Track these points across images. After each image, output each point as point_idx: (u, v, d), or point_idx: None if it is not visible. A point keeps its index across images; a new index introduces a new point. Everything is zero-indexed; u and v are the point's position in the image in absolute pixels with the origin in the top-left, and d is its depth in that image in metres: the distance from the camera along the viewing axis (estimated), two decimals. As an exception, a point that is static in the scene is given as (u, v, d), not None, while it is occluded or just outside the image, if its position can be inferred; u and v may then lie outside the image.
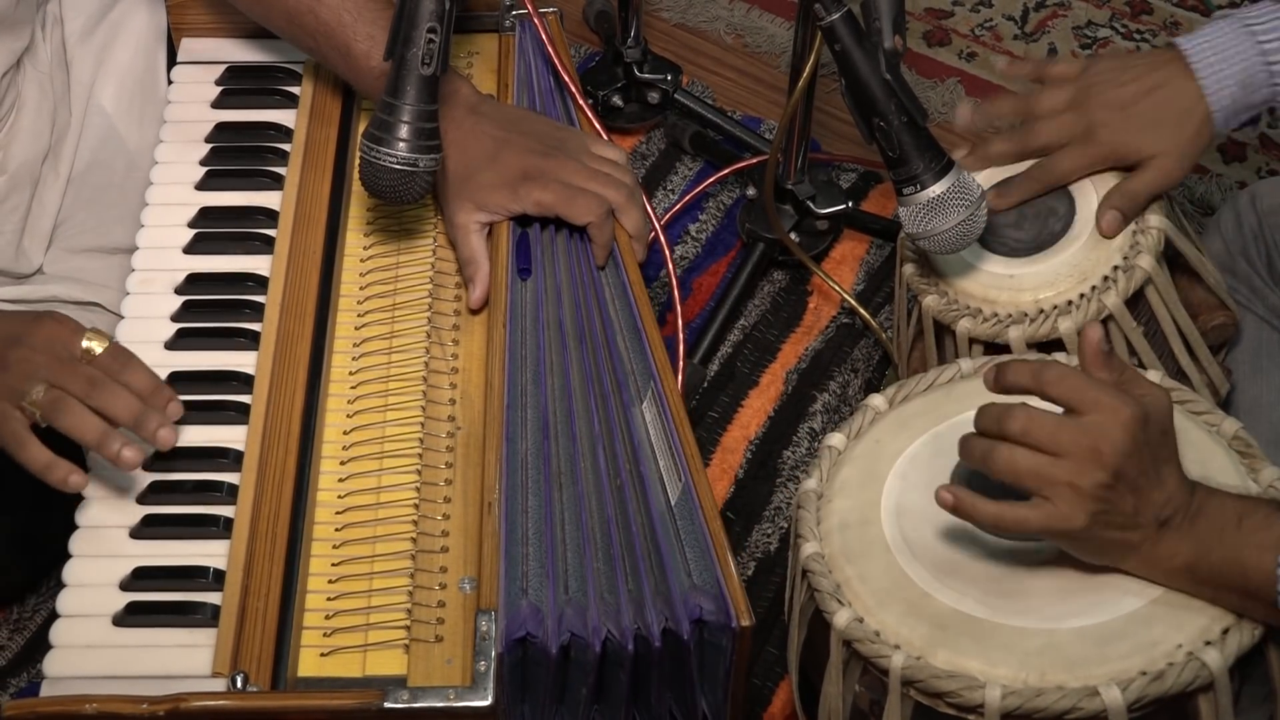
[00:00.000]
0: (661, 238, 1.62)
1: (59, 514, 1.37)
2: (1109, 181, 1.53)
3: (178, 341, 1.48)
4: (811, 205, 2.01)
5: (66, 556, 1.34)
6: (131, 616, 1.30)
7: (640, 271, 1.52)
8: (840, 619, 1.25)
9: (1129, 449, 1.16)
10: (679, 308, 1.62)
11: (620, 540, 1.32)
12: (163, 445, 1.34)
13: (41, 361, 1.31)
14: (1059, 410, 1.19)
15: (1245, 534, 1.16)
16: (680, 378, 1.51)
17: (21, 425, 1.31)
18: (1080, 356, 1.22)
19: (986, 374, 1.23)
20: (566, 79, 1.67)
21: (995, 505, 1.20)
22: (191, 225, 1.56)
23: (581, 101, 1.65)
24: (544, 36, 1.69)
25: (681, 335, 1.60)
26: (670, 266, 1.65)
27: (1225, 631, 1.17)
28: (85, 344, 1.33)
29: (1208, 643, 1.17)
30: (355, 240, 1.58)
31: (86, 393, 1.31)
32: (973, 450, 1.22)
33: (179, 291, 1.51)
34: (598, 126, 1.64)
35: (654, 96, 2.19)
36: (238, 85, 1.68)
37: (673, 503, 1.34)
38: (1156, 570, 1.20)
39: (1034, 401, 1.20)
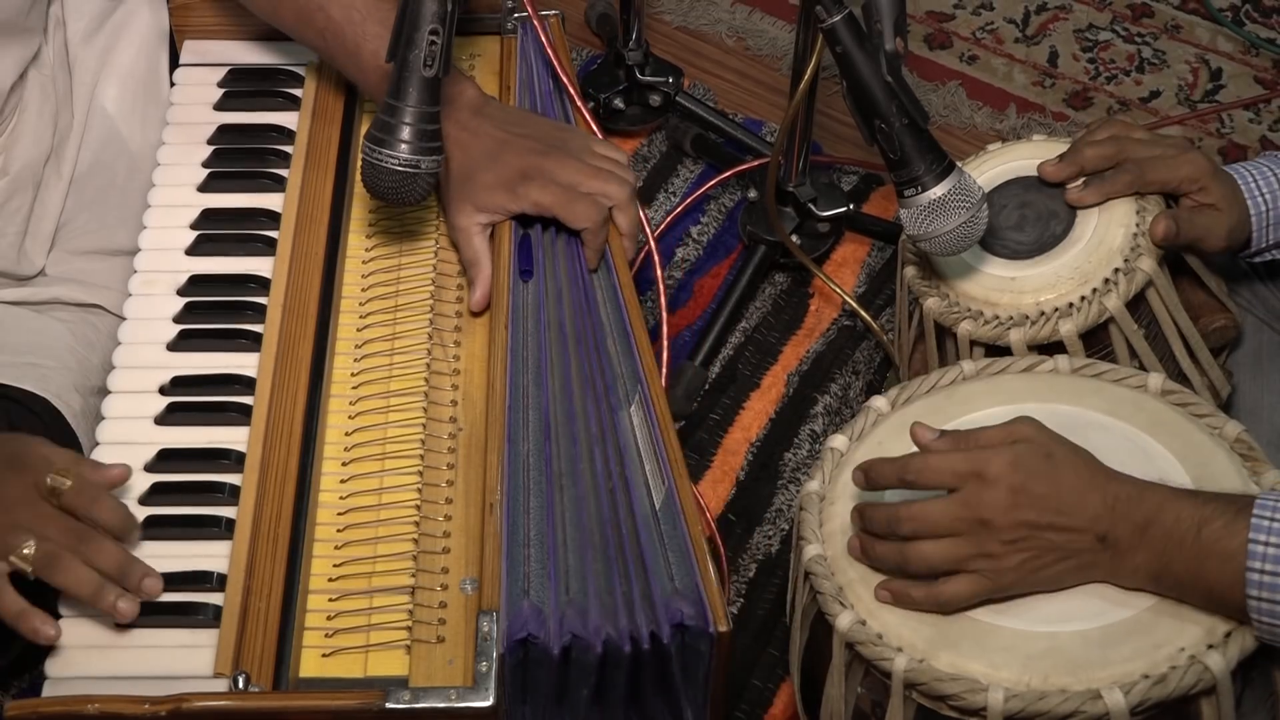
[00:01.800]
0: (655, 253, 1.62)
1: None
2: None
3: (180, 343, 1.48)
4: (813, 207, 2.01)
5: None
6: (133, 617, 1.30)
7: (630, 275, 1.52)
8: (843, 621, 1.25)
9: (1012, 501, 1.20)
10: (665, 316, 1.60)
11: (614, 542, 1.32)
12: (150, 595, 1.29)
13: (21, 516, 1.27)
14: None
15: (1205, 544, 1.16)
16: (665, 384, 1.51)
17: None
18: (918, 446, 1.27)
19: (855, 477, 1.29)
20: (566, 81, 1.67)
21: (929, 593, 1.23)
22: (194, 227, 1.56)
23: (580, 104, 1.66)
24: (544, 39, 1.69)
25: (666, 343, 1.57)
26: (659, 278, 1.64)
27: (1228, 635, 1.17)
28: (50, 483, 1.28)
29: (1210, 646, 1.17)
30: (357, 242, 1.58)
31: (73, 546, 1.27)
32: (885, 557, 1.26)
33: (181, 293, 1.51)
34: (595, 129, 1.64)
35: (655, 99, 2.20)
36: (240, 87, 1.69)
37: (657, 506, 1.34)
38: (1121, 579, 1.21)
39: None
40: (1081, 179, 1.53)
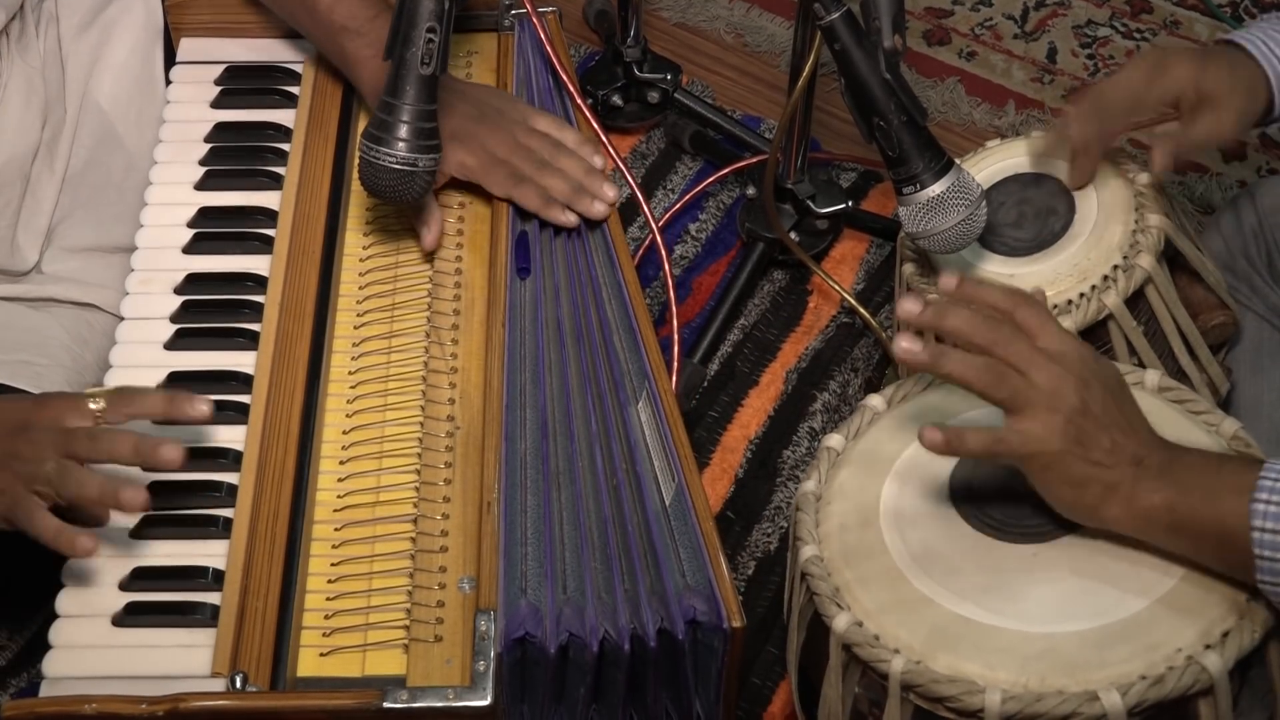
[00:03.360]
0: (659, 239, 1.62)
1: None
2: (1109, 183, 1.53)
3: (177, 342, 1.48)
4: (811, 204, 2.01)
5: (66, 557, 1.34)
6: (131, 617, 1.30)
7: (635, 271, 1.52)
8: (839, 623, 1.24)
9: (1086, 385, 1.20)
10: (674, 309, 1.62)
11: (617, 540, 1.32)
12: (169, 464, 1.29)
13: (50, 439, 1.29)
14: None
15: (1223, 478, 1.18)
16: (675, 378, 1.51)
17: (34, 502, 1.29)
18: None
19: (948, 282, 1.24)
20: (565, 78, 1.67)
21: (983, 435, 1.22)
22: (191, 225, 1.56)
23: (580, 101, 1.66)
24: (542, 36, 1.69)
25: (677, 336, 1.60)
26: (667, 268, 1.65)
27: (1225, 635, 1.17)
28: (91, 405, 1.30)
29: (1207, 646, 1.17)
30: (354, 240, 1.58)
31: (90, 450, 1.29)
32: (959, 363, 1.21)
33: (178, 291, 1.51)
34: (595, 125, 1.64)
35: (654, 96, 2.19)
36: (237, 85, 1.69)
37: (667, 503, 1.34)
38: (1136, 512, 1.20)
39: None
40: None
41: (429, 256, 1.55)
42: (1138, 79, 1.49)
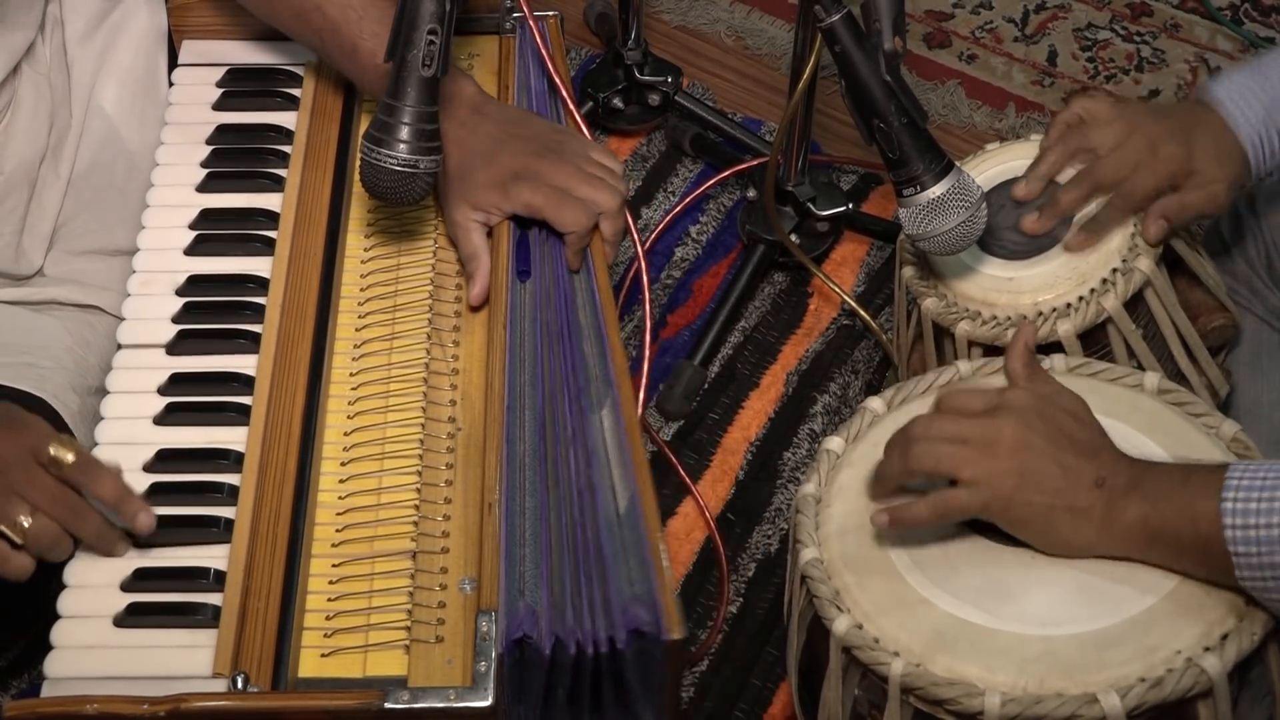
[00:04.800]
0: (641, 261, 1.63)
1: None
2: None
3: (178, 343, 1.48)
4: (812, 207, 2.01)
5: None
6: (132, 617, 1.30)
7: (609, 280, 1.52)
8: (839, 626, 1.25)
9: (1027, 419, 1.23)
10: (647, 342, 1.63)
11: (581, 546, 1.32)
12: (140, 529, 1.32)
13: (15, 479, 1.28)
14: None
15: (1192, 487, 1.19)
16: (640, 406, 1.51)
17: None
18: (1010, 347, 1.32)
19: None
20: (560, 85, 1.67)
21: (927, 499, 1.25)
22: (192, 227, 1.56)
23: (574, 108, 1.65)
24: (538, 40, 1.68)
25: (646, 367, 1.62)
26: (646, 294, 1.67)
27: (1224, 637, 1.17)
28: (53, 452, 1.29)
29: (1207, 649, 1.17)
30: (356, 241, 1.58)
31: (62, 517, 1.29)
32: (890, 466, 1.29)
33: (180, 293, 1.51)
34: (587, 135, 1.64)
35: (655, 98, 2.20)
36: (239, 87, 1.69)
37: (621, 512, 1.33)
38: (1113, 533, 1.21)
39: None
40: (1074, 228, 1.52)
41: (430, 258, 1.55)
42: (1129, 163, 1.49)
